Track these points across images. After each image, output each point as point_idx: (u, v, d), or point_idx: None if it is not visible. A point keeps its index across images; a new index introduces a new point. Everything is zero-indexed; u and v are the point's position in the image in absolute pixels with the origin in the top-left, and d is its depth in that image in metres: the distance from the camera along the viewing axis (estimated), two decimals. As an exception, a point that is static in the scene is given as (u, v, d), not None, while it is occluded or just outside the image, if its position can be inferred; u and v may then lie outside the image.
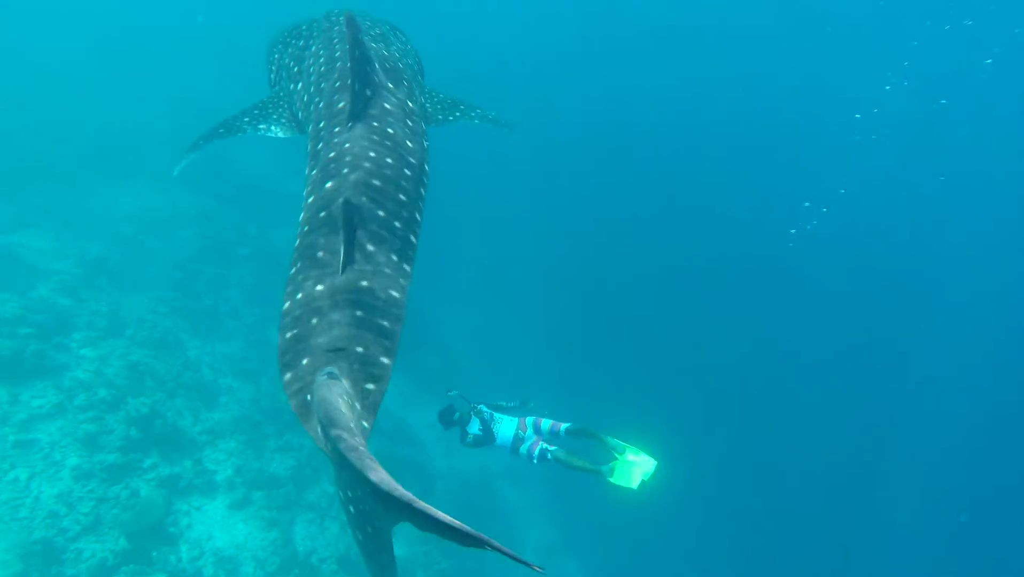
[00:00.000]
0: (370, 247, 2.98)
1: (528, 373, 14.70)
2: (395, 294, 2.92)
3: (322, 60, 4.37)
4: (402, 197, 3.29)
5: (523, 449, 6.51)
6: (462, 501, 13.09)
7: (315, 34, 4.84)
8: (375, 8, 5.65)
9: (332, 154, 3.42)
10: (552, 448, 6.39)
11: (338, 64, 4.11)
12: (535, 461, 6.49)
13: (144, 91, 19.18)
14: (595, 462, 6.36)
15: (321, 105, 3.95)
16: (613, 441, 6.31)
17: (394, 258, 3.03)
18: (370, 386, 2.64)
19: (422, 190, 3.54)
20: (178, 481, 8.74)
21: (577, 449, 6.51)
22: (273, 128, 4.58)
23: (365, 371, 2.66)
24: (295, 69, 4.76)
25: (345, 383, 2.57)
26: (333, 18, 4.87)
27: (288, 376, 2.75)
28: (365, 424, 2.55)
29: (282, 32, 5.34)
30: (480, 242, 18.46)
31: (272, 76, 5.23)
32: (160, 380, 9.90)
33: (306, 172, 3.63)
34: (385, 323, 2.81)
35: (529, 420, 6.59)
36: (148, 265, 12.81)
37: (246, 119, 4.65)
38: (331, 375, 2.57)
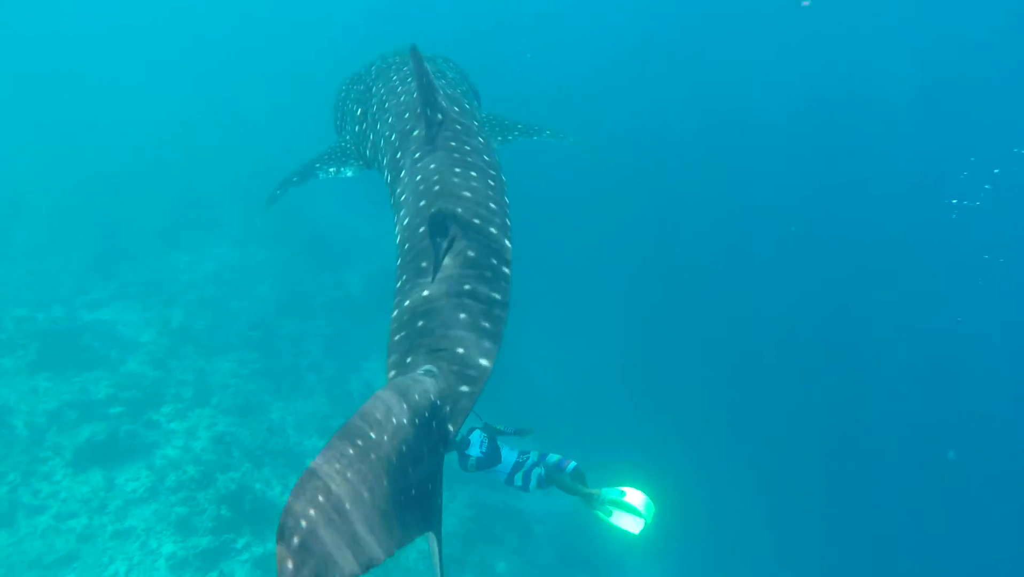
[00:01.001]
0: (471, 253, 3.07)
1: (610, 410, 13.81)
2: (496, 296, 2.99)
3: (384, 97, 4.60)
4: (492, 206, 3.44)
5: (518, 477, 5.78)
6: (562, 543, 12.39)
7: (374, 76, 5.08)
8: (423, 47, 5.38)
9: (418, 177, 3.57)
10: (550, 465, 5.84)
11: (403, 97, 4.40)
12: (532, 487, 5.79)
13: (215, 158, 19.81)
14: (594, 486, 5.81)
15: (393, 137, 4.16)
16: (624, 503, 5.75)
17: (494, 261, 3.12)
18: (465, 388, 2.69)
19: (506, 199, 3.68)
20: (272, 560, 8.50)
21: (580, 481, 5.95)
22: (343, 169, 4.87)
23: (463, 373, 2.71)
24: (358, 112, 5.00)
25: (441, 383, 2.63)
26: (390, 59, 5.14)
27: (392, 374, 2.83)
28: (450, 427, 2.59)
29: (343, 81, 5.68)
30: (568, 271, 17.42)
31: (338, 122, 5.53)
32: (247, 450, 9.79)
33: (391, 201, 3.84)
34: (487, 325, 2.88)
35: (533, 452, 5.90)
36: (230, 326, 12.94)
37: (316, 164, 4.95)
38: (429, 372, 2.64)
